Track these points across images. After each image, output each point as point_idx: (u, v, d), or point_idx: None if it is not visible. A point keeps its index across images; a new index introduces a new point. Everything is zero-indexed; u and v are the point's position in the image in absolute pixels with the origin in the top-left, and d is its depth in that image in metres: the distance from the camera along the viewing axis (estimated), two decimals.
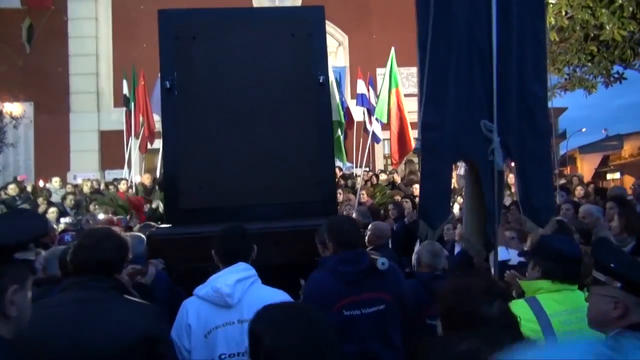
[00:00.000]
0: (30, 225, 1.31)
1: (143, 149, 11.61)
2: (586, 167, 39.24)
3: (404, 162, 10.62)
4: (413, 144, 10.30)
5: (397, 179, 9.15)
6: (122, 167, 12.52)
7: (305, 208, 3.68)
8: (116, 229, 4.54)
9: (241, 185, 3.61)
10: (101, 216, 6.35)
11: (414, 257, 5.29)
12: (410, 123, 10.55)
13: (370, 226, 4.17)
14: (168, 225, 3.58)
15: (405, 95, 10.79)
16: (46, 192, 9.14)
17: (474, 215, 3.48)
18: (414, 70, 12.90)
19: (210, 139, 3.63)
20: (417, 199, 8.01)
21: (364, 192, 7.61)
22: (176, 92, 3.54)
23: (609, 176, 38.68)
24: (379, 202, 7.94)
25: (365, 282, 2.58)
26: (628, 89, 11.93)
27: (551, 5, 9.18)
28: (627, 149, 40.63)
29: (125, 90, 11.98)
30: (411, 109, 10.78)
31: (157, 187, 9.22)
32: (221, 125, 3.66)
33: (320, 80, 3.75)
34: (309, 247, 3.22)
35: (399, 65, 10.60)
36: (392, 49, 10.26)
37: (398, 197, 7.70)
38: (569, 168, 32.69)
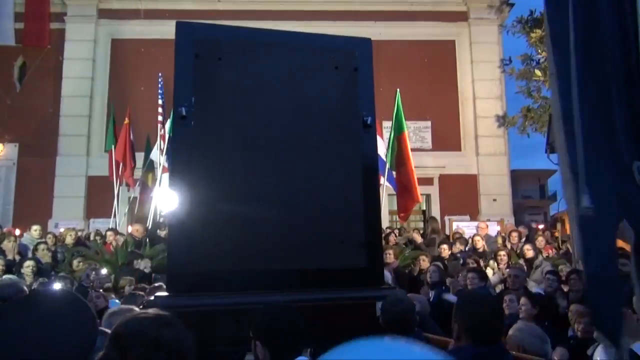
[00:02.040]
0: None
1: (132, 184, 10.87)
2: None
3: (425, 219, 9.83)
4: (419, 196, 9.52)
5: (417, 238, 8.30)
6: (109, 216, 11.58)
7: (347, 275, 2.89)
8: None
9: (269, 245, 2.77)
10: (104, 271, 5.41)
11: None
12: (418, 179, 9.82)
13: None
14: (167, 294, 2.68)
15: (412, 150, 10.20)
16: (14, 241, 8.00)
17: None
18: (421, 124, 12.35)
19: (232, 184, 2.81)
20: (446, 261, 7.25)
21: (390, 251, 6.74)
22: (192, 122, 2.73)
23: None
24: (401, 264, 7.07)
25: None
26: None
27: None
28: None
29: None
30: (415, 164, 10.15)
31: (147, 240, 8.25)
32: (247, 168, 2.85)
33: (368, 122, 3.06)
34: (357, 326, 2.56)
35: (405, 118, 10.06)
36: (397, 91, 9.68)
37: (424, 258, 6.86)
38: (558, 228, 32.35)
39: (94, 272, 5.31)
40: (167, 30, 13.48)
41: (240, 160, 2.85)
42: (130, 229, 9.66)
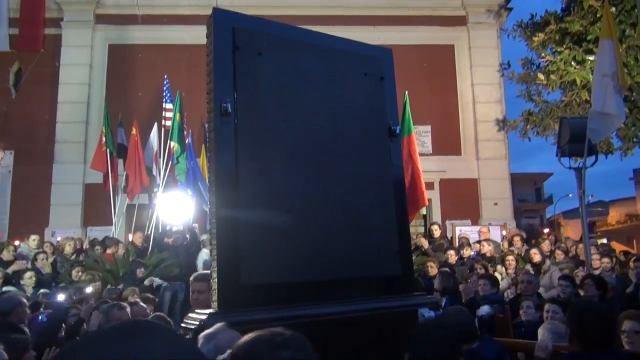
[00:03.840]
0: None
1: (131, 197, 10.61)
2: (571, 232, 39.25)
3: (426, 224, 9.72)
4: (426, 200, 9.38)
5: (424, 243, 8.21)
6: (107, 224, 11.38)
7: (386, 283, 2.90)
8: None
9: (313, 254, 2.67)
10: (89, 289, 5.19)
11: None
12: (426, 183, 9.72)
13: None
14: (215, 311, 2.40)
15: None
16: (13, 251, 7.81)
17: None
18: (421, 128, 12.29)
19: (278, 188, 2.65)
20: (454, 267, 7.15)
21: None
22: (236, 120, 2.54)
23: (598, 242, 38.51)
24: None
25: None
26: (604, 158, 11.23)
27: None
28: (614, 215, 40.95)
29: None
30: (424, 169, 10.09)
31: (150, 248, 8.11)
32: (290, 171, 2.71)
33: (397, 131, 3.09)
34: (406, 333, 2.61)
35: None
36: (406, 93, 9.61)
37: (432, 264, 6.76)
38: (559, 232, 32.43)
39: (77, 292, 5.15)
40: (165, 35, 13.45)
41: (285, 167, 2.72)
42: (130, 237, 9.52)
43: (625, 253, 11.33)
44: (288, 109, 2.73)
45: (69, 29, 13.62)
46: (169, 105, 10.61)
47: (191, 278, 3.46)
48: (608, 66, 5.47)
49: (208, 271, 2.90)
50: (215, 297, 2.35)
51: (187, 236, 8.02)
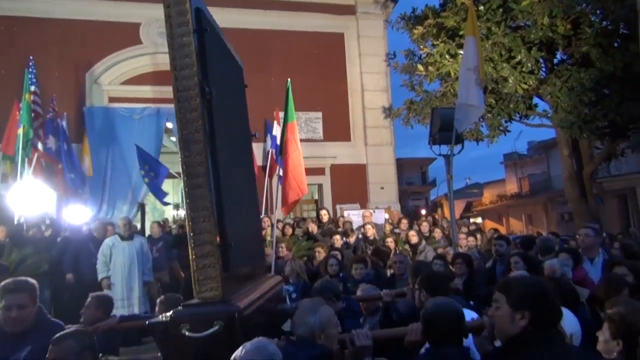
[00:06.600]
0: None
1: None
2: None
3: (317, 208, 9.89)
4: (305, 187, 9.32)
5: (314, 228, 8.35)
6: None
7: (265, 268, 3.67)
8: None
9: (251, 244, 3.01)
10: None
11: None
12: (306, 169, 9.73)
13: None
14: (220, 298, 2.35)
15: (302, 140, 10.20)
16: None
17: None
18: (312, 115, 12.34)
19: (231, 179, 2.71)
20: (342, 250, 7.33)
21: (283, 244, 6.67)
22: (210, 104, 2.48)
23: (471, 220, 42.45)
24: (296, 255, 7.05)
25: None
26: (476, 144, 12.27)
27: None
28: (487, 196, 45.17)
29: None
30: (308, 154, 10.16)
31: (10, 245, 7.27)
32: (230, 164, 2.77)
33: (256, 136, 3.67)
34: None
35: (297, 109, 10.02)
36: (289, 80, 9.52)
37: (320, 250, 6.87)
38: (438, 212, 35.14)
39: None
40: (30, 7, 12.09)
41: (228, 159, 2.75)
42: None
43: (495, 230, 12.49)
44: (226, 108, 2.78)
45: None
46: (33, 88, 9.56)
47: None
48: (471, 61, 5.94)
49: (19, 278, 2.81)
50: (213, 285, 2.28)
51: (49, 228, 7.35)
